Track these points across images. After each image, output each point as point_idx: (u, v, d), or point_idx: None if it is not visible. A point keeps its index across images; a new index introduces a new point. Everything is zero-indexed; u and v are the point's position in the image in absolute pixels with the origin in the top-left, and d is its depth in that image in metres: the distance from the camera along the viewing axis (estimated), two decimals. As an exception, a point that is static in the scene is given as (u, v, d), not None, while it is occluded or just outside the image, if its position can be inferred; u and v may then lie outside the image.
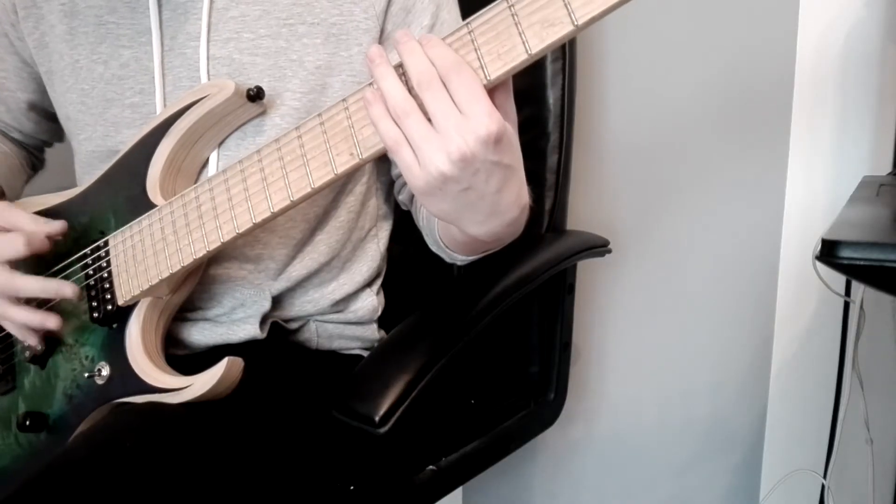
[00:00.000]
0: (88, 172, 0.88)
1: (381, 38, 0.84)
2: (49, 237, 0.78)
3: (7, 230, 0.79)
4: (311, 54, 0.82)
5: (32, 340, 0.82)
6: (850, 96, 1.22)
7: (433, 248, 0.87)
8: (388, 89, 0.60)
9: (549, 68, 1.10)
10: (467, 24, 0.60)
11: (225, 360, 0.73)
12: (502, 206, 0.64)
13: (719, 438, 1.43)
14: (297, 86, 0.82)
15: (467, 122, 0.58)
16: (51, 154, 1.06)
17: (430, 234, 0.87)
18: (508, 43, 0.58)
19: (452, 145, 0.58)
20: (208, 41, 0.81)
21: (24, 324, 0.80)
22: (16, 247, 0.77)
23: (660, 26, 1.32)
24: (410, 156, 0.60)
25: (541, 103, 1.11)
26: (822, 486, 1.29)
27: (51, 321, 0.80)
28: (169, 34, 0.83)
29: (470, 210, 0.64)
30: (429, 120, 0.59)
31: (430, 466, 0.95)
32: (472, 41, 0.59)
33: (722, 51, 1.30)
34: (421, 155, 0.59)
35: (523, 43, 0.58)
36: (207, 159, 0.82)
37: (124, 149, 0.82)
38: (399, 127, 0.60)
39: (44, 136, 1.01)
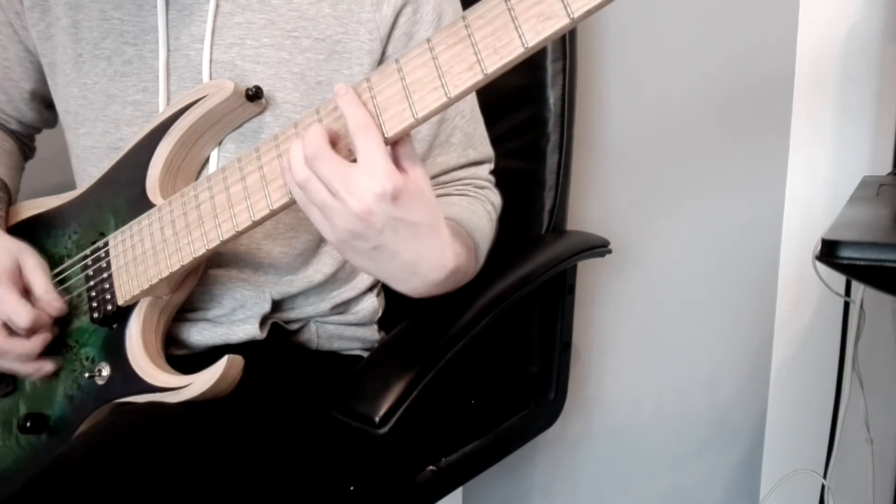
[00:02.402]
0: (85, 168, 0.88)
1: (381, 61, 0.84)
2: (50, 313, 0.81)
3: (21, 285, 0.80)
4: (314, 69, 0.82)
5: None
6: (850, 96, 1.22)
7: None
8: (291, 159, 0.64)
9: (550, 68, 1.10)
10: (463, 18, 0.60)
11: (225, 359, 0.73)
12: (421, 267, 0.67)
13: (719, 438, 1.43)
14: (298, 98, 0.82)
15: (366, 180, 0.61)
16: (51, 153, 1.06)
17: None
18: (505, 37, 0.58)
19: (352, 202, 0.61)
20: (212, 45, 0.81)
21: (23, 374, 0.83)
22: (20, 317, 0.78)
23: (660, 26, 1.32)
24: (319, 215, 0.64)
25: (541, 103, 1.11)
26: (822, 486, 1.29)
27: (46, 368, 0.82)
28: (173, 35, 0.83)
29: (386, 268, 0.67)
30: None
31: (430, 466, 0.95)
32: (469, 35, 0.59)
33: (722, 51, 1.30)
34: (327, 214, 0.63)
35: (520, 37, 0.58)
36: (207, 159, 0.82)
37: (124, 150, 0.82)
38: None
39: (41, 125, 1.01)
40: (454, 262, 0.68)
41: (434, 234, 0.66)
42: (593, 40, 1.33)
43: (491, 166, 0.94)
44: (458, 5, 0.89)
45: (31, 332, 0.80)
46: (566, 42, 1.11)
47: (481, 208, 0.87)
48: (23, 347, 0.80)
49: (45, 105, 0.97)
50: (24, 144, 1.03)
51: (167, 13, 0.82)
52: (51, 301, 0.80)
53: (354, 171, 0.62)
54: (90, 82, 0.85)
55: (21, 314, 0.78)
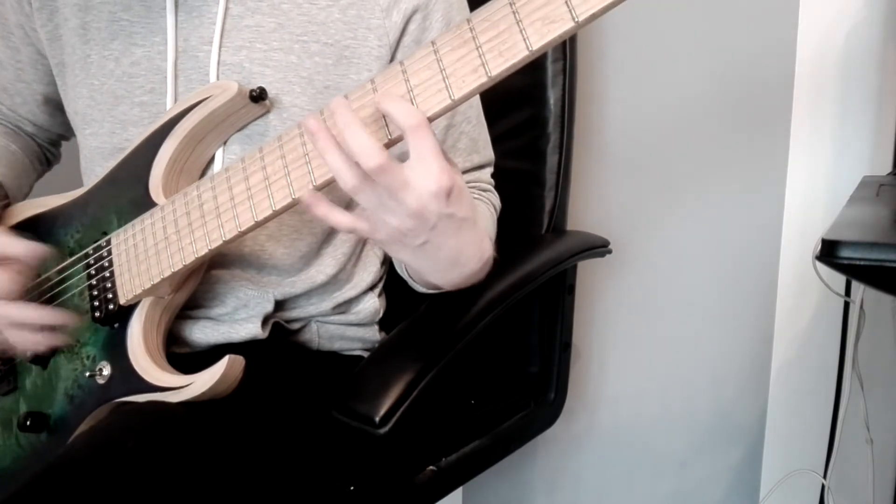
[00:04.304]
0: (92, 168, 0.88)
1: None
2: (38, 260, 0.80)
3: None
4: (322, 73, 0.83)
5: (42, 348, 0.82)
6: (850, 96, 1.22)
7: (397, 269, 0.88)
8: (336, 170, 0.63)
9: (550, 69, 1.10)
10: (468, 20, 0.60)
11: (226, 358, 0.73)
12: (462, 258, 0.69)
13: (719, 439, 1.43)
14: (305, 102, 0.82)
15: (423, 179, 0.61)
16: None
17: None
18: (510, 40, 0.59)
19: (411, 201, 0.62)
20: (220, 47, 0.82)
21: (35, 344, 0.81)
22: (6, 288, 0.77)
23: (660, 27, 1.32)
24: (363, 221, 0.65)
25: (541, 104, 1.12)
26: (822, 486, 1.29)
27: (59, 318, 0.80)
28: (182, 36, 0.83)
29: (431, 261, 0.69)
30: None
31: (430, 466, 0.95)
32: (474, 38, 0.60)
33: (722, 51, 1.30)
34: (381, 214, 0.64)
35: (524, 40, 0.58)
36: (212, 160, 0.82)
37: (128, 149, 0.82)
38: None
39: (59, 130, 1.00)
40: (490, 251, 0.72)
41: (474, 227, 0.68)
42: (593, 40, 1.33)
43: (491, 169, 0.95)
44: (468, 14, 0.89)
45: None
46: (566, 42, 1.11)
47: (486, 209, 0.89)
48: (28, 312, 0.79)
49: (59, 109, 0.97)
50: (44, 149, 1.02)
51: (176, 15, 0.83)
52: (32, 250, 0.79)
53: (410, 172, 0.62)
54: (98, 83, 0.85)
55: (17, 246, 0.78)
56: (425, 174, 0.61)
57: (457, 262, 0.70)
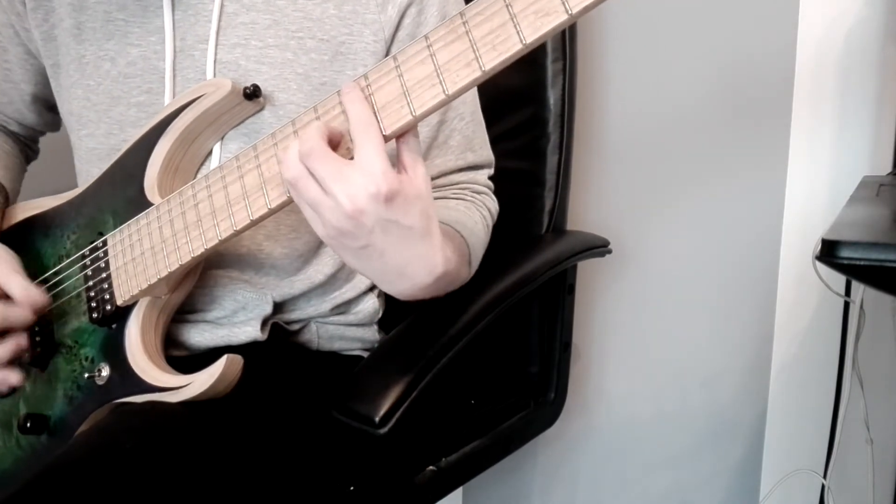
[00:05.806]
0: (88, 169, 0.88)
1: None
2: (34, 310, 0.80)
3: None
4: (318, 70, 0.82)
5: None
6: (850, 96, 1.22)
7: None
8: (286, 156, 0.64)
9: (550, 69, 1.10)
10: (461, 14, 0.60)
11: (224, 358, 0.73)
12: (409, 270, 0.67)
13: (719, 439, 1.42)
14: (301, 99, 0.82)
15: (361, 179, 0.61)
16: (50, 154, 1.06)
17: None
18: (503, 33, 0.58)
19: (344, 200, 0.61)
20: (216, 45, 0.81)
21: None
22: None
23: (660, 26, 1.32)
24: (310, 211, 0.64)
25: (541, 103, 1.11)
26: (822, 486, 1.29)
27: (12, 379, 0.82)
28: (179, 35, 0.82)
29: (374, 268, 0.67)
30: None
31: (430, 467, 0.95)
32: (467, 32, 0.60)
33: (722, 51, 1.30)
34: (318, 210, 0.63)
35: (518, 33, 0.58)
36: (209, 157, 0.82)
37: (123, 149, 0.82)
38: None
39: (42, 128, 1.01)
40: (443, 267, 0.68)
41: (426, 238, 0.65)
42: (593, 40, 1.33)
43: (490, 171, 0.94)
44: (463, 7, 0.88)
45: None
46: (566, 42, 1.11)
47: (477, 213, 0.87)
48: None
49: (46, 108, 0.97)
50: (27, 146, 1.03)
51: (173, 14, 0.82)
52: (30, 297, 0.79)
53: (349, 168, 0.61)
54: (94, 84, 0.85)
55: (15, 287, 0.78)
56: (363, 174, 0.61)
57: (403, 273, 0.67)
